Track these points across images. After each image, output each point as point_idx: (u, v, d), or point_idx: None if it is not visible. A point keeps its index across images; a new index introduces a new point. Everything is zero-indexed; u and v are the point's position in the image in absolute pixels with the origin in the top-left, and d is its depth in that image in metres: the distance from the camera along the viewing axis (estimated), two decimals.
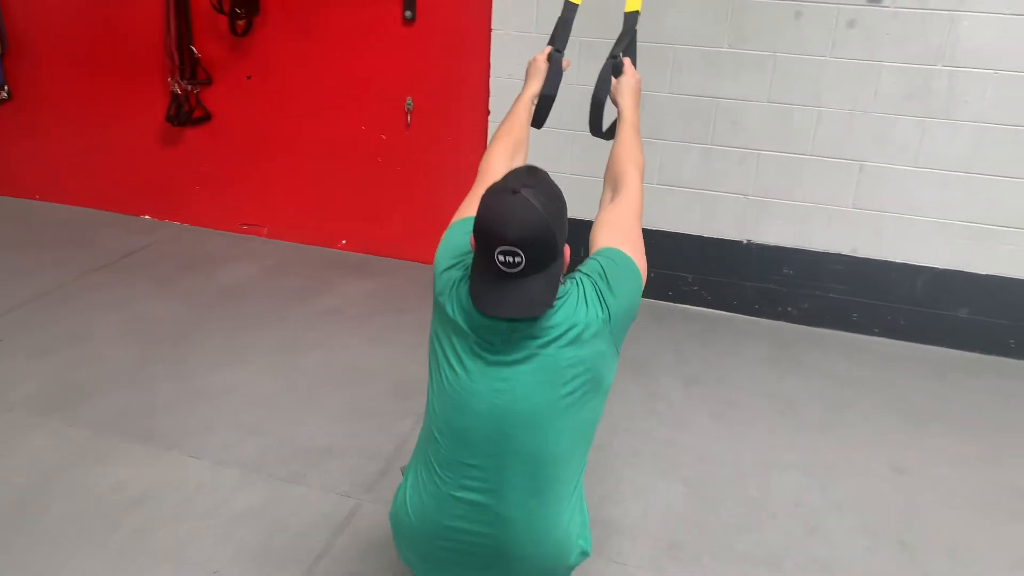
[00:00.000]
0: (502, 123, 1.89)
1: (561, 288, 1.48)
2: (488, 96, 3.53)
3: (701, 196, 3.43)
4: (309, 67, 3.73)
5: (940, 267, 3.24)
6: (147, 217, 4.29)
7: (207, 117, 3.95)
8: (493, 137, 1.86)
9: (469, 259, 1.51)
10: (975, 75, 2.97)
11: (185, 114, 3.89)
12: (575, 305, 1.47)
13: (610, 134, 1.97)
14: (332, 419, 2.64)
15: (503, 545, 1.48)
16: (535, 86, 1.96)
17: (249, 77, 3.83)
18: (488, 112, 3.55)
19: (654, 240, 3.44)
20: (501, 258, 1.37)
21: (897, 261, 3.28)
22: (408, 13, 3.50)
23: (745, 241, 3.44)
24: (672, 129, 3.36)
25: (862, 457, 2.60)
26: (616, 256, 1.56)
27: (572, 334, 1.45)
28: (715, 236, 3.48)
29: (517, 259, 1.36)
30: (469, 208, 1.60)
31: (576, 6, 2.10)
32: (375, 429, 2.60)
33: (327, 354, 3.04)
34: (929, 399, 2.96)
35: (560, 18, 2.10)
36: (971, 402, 2.95)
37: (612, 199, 1.72)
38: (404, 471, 1.66)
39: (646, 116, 3.27)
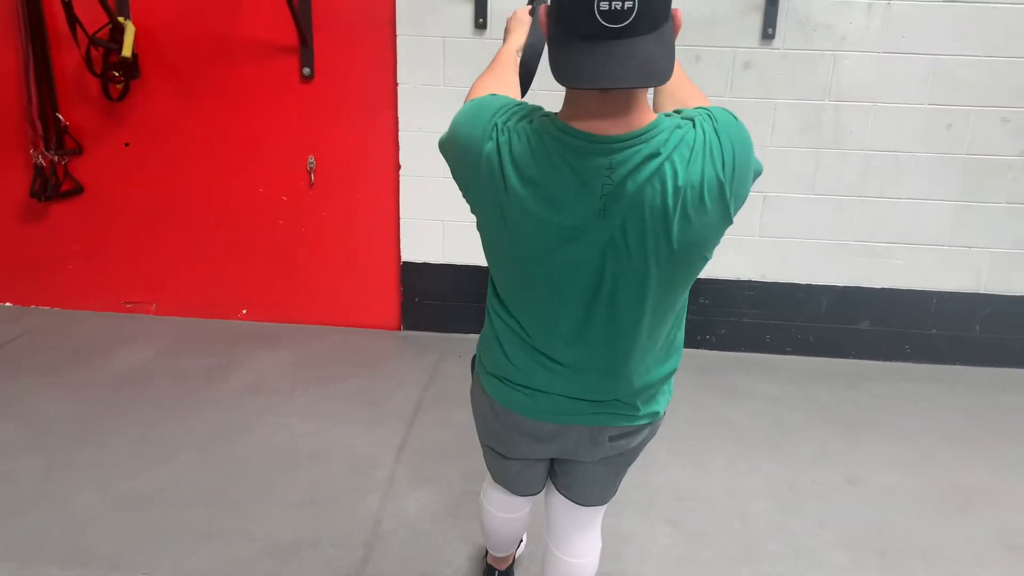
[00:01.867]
0: (483, 76, 1.47)
1: (669, 120, 1.16)
2: (398, 150, 3.45)
3: None
4: (198, 130, 3.48)
5: (841, 284, 3.49)
6: (9, 304, 3.81)
7: (78, 190, 3.58)
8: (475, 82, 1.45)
9: (490, 131, 1.18)
10: (858, 108, 3.25)
11: (52, 188, 3.51)
12: (691, 150, 1.13)
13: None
14: (290, 508, 2.42)
15: (607, 388, 1.40)
16: (520, 38, 1.59)
17: (128, 144, 3.52)
18: (399, 166, 3.47)
19: None
20: (604, 5, 1.00)
21: (802, 283, 3.50)
22: (306, 70, 3.36)
23: None
24: None
25: (817, 473, 2.72)
26: (732, 117, 1.22)
27: (690, 198, 1.13)
28: None
29: (628, 4, 1.01)
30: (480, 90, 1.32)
31: None
32: (341, 513, 2.41)
33: (262, 437, 2.80)
34: (853, 409, 3.15)
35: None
36: (889, 408, 3.17)
37: None
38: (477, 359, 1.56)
39: None
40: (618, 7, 1.01)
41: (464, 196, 1.29)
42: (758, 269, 3.49)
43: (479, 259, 3.60)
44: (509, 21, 1.64)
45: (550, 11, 1.11)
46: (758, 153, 1.26)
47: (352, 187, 3.54)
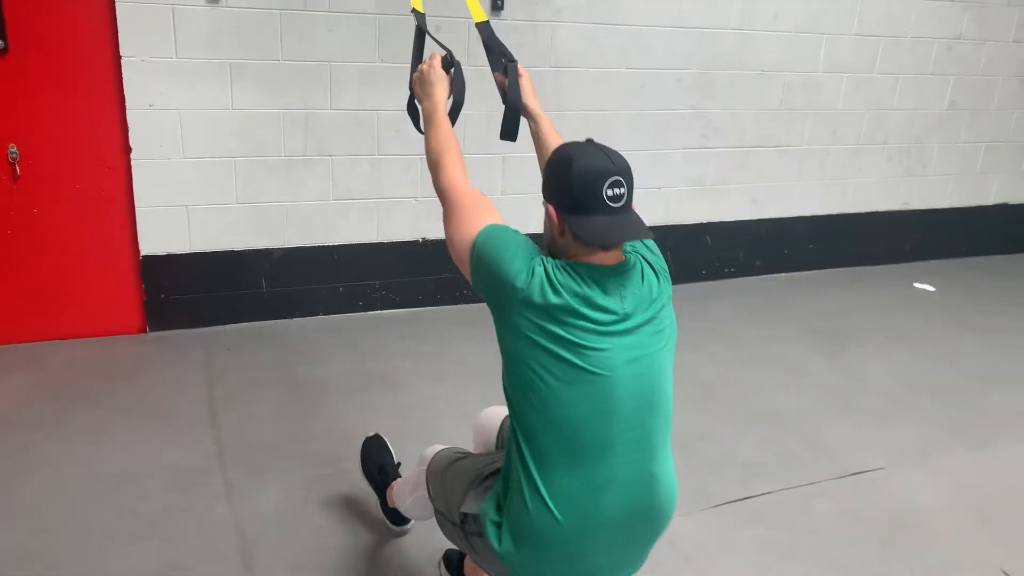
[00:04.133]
0: (436, 140, 1.71)
1: (630, 251, 1.58)
2: (127, 131, 3.07)
3: (376, 204, 3.56)
4: None
5: None
6: None
7: None
8: (439, 156, 1.67)
9: (535, 260, 1.46)
10: (574, 73, 3.69)
11: None
12: (647, 269, 1.57)
13: (512, 135, 1.99)
14: (135, 539, 2.15)
15: (653, 507, 1.53)
16: (442, 94, 1.81)
17: None
18: (130, 149, 3.09)
19: (337, 255, 3.51)
20: (609, 192, 1.42)
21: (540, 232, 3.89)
22: None
23: (420, 240, 3.69)
24: (340, 144, 3.40)
25: None
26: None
27: (664, 294, 1.55)
28: (392, 240, 3.65)
29: (621, 190, 1.44)
30: (479, 220, 1.54)
31: (423, 14, 2.06)
32: (195, 529, 2.21)
33: (53, 473, 2.40)
34: None
35: (417, 27, 2.05)
36: None
37: None
38: (484, 508, 1.57)
39: (312, 136, 3.31)
40: (618, 193, 1.44)
41: (501, 322, 1.47)
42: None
43: (233, 243, 3.42)
44: (428, 75, 1.82)
45: (558, 206, 1.47)
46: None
47: (71, 177, 3.08)
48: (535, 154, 2.03)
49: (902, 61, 4.40)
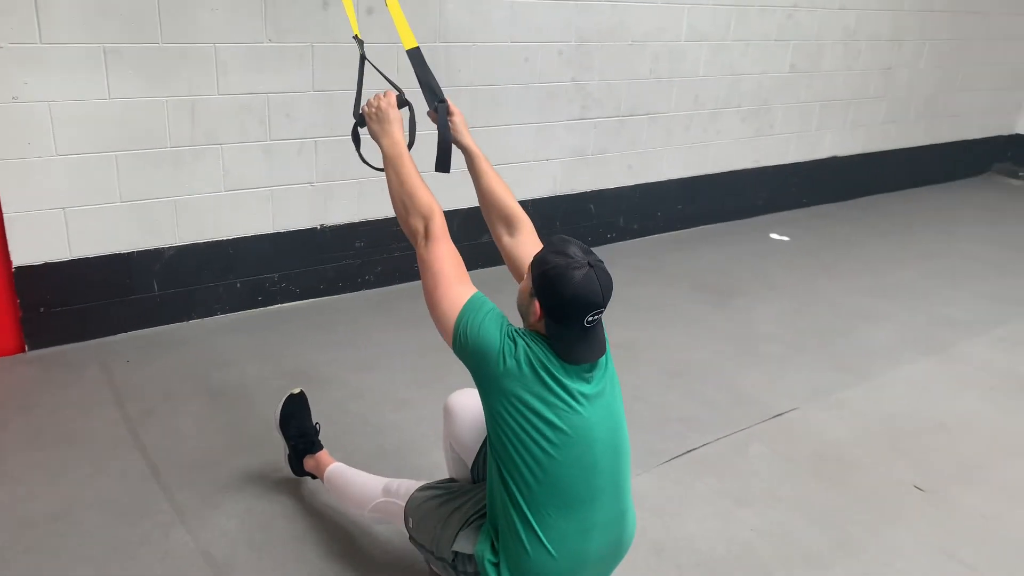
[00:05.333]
0: (414, 188, 1.73)
1: None
2: None
3: (270, 193, 3.37)
4: None
5: (466, 206, 3.92)
6: None
7: None
8: (429, 208, 1.70)
9: (510, 329, 1.61)
10: (462, 48, 3.66)
11: None
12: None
13: (446, 168, 2.01)
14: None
15: (623, 539, 1.73)
16: (400, 133, 1.85)
17: None
18: None
19: (232, 249, 3.32)
20: (590, 318, 1.58)
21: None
22: None
23: (319, 226, 3.55)
24: (229, 131, 3.18)
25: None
26: None
27: (609, 354, 1.73)
28: (289, 229, 3.48)
29: (599, 316, 1.61)
30: (463, 290, 1.64)
31: (363, 41, 2.07)
32: (156, 562, 2.04)
33: None
34: None
35: (362, 57, 2.08)
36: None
37: (517, 233, 1.92)
38: (479, 551, 1.68)
39: (199, 124, 3.09)
40: (596, 318, 1.59)
41: (489, 387, 1.59)
42: None
43: (119, 245, 3.17)
44: (387, 112, 1.84)
45: (542, 304, 1.58)
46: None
47: None
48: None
49: (751, 28, 4.73)
